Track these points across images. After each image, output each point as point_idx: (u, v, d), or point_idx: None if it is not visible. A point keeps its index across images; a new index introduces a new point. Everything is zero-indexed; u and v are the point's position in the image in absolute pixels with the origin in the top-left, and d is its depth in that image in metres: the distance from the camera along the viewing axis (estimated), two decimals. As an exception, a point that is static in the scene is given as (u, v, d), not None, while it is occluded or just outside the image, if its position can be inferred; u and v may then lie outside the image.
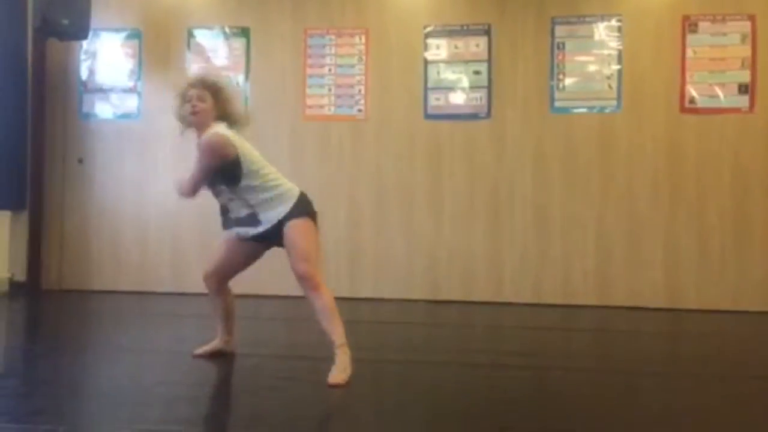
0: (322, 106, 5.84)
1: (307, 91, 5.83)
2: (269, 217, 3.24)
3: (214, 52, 5.93)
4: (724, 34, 5.29)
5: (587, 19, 5.50)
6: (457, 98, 5.66)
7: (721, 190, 5.29)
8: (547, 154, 5.53)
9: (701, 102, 5.32)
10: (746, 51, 5.27)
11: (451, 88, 5.66)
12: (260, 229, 3.27)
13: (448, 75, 5.67)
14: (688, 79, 5.34)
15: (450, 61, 5.67)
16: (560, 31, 5.51)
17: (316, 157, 5.83)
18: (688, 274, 5.32)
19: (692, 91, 5.33)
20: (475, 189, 5.62)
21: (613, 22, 5.46)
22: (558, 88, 5.51)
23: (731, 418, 2.74)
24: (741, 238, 5.26)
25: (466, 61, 5.64)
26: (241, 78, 5.90)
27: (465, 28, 5.65)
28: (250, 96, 5.87)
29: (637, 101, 5.42)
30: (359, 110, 5.77)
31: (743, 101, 5.27)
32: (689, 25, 5.35)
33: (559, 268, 5.49)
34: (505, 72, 5.59)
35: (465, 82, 5.64)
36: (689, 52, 5.34)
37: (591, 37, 5.49)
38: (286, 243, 3.24)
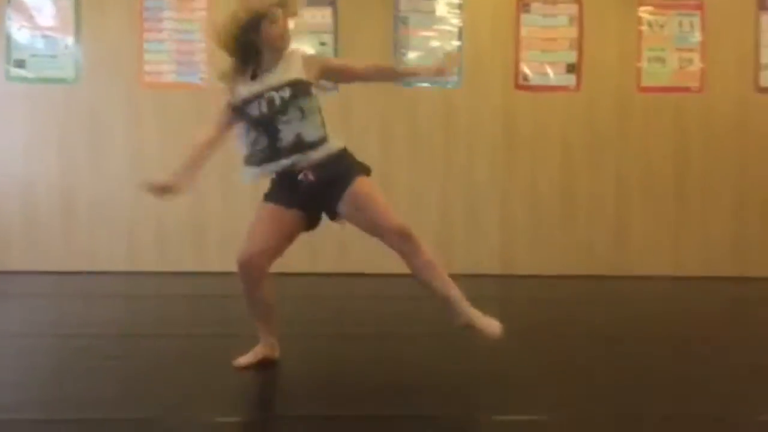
0: (161, 73, 5.57)
1: (145, 56, 5.54)
2: None
3: (39, 10, 5.46)
4: (554, 16, 5.61)
5: (429, -6, 5.62)
6: (303, 69, 5.59)
7: (551, 163, 5.64)
8: (392, 127, 5.63)
9: (534, 80, 5.63)
10: (574, 32, 5.62)
11: (296, 58, 5.59)
12: None
13: (294, 45, 5.57)
14: (522, 57, 5.63)
15: (295, 31, 5.57)
16: (404, 5, 5.59)
17: (156, 127, 5.57)
18: (521, 241, 5.64)
19: (526, 69, 5.62)
20: (322, 161, 5.62)
21: (454, -1, 5.62)
22: (402, 62, 5.60)
23: (540, 377, 2.96)
24: (567, 207, 5.65)
25: (312, 32, 5.59)
26: (70, 40, 5.48)
27: (310, -3, 5.58)
28: (82, 60, 5.48)
29: (476, 77, 5.63)
30: (201, 78, 5.56)
31: (570, 80, 5.63)
32: (523, 5, 5.62)
33: (403, 239, 5.62)
34: (351, 44, 5.60)
35: (311, 53, 5.59)
36: (523, 32, 5.61)
37: (433, 12, 5.62)
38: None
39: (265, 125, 2.84)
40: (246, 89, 2.88)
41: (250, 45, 2.88)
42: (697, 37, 5.63)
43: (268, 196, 2.97)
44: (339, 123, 5.59)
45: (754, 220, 5.65)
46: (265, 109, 2.83)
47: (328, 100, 5.82)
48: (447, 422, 2.42)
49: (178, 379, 2.82)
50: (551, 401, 2.62)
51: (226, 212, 5.58)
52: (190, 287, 5.04)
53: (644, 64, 5.63)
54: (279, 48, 2.96)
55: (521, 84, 5.63)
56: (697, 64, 5.63)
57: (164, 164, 5.48)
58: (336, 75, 3.26)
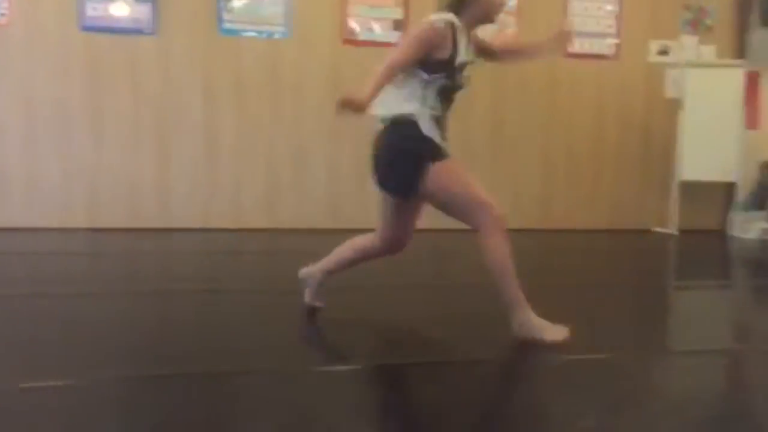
0: (-50, 6, 4.97)
1: (-71, -15, 4.89)
2: None
3: None
4: (381, -28, 5.65)
5: (256, -60, 5.43)
6: (119, 10, 5.23)
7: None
8: (216, 76, 5.44)
9: (362, 35, 5.66)
10: (400, -10, 5.70)
11: (111, -2, 5.21)
12: None
13: None
14: (349, 12, 5.63)
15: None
16: (230, -51, 5.37)
17: (-55, 65, 5.00)
18: (347, 195, 5.71)
19: (353, 24, 5.64)
20: (141, 109, 5.33)
21: (282, -53, 5.47)
22: (227, 9, 5.40)
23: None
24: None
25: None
26: None
27: (126, -68, 5.19)
28: None
29: (304, 30, 5.56)
30: (3, 14, 5.03)
31: (396, 37, 5.72)
32: (352, -41, 5.60)
33: (228, 193, 5.52)
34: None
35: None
36: (351, -14, 5.61)
37: (262, -41, 5.45)
38: None
39: (449, 94, 2.80)
40: (464, 54, 2.77)
41: (464, 7, 2.79)
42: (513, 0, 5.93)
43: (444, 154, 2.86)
44: (158, 68, 5.34)
45: (560, 177, 6.15)
46: (462, 80, 2.80)
47: (145, 42, 5.54)
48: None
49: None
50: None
51: (30, 163, 5.17)
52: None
53: (465, 25, 5.84)
54: (491, 20, 2.85)
55: (348, 39, 5.64)
56: (513, 27, 5.94)
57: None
58: (486, 53, 2.99)
